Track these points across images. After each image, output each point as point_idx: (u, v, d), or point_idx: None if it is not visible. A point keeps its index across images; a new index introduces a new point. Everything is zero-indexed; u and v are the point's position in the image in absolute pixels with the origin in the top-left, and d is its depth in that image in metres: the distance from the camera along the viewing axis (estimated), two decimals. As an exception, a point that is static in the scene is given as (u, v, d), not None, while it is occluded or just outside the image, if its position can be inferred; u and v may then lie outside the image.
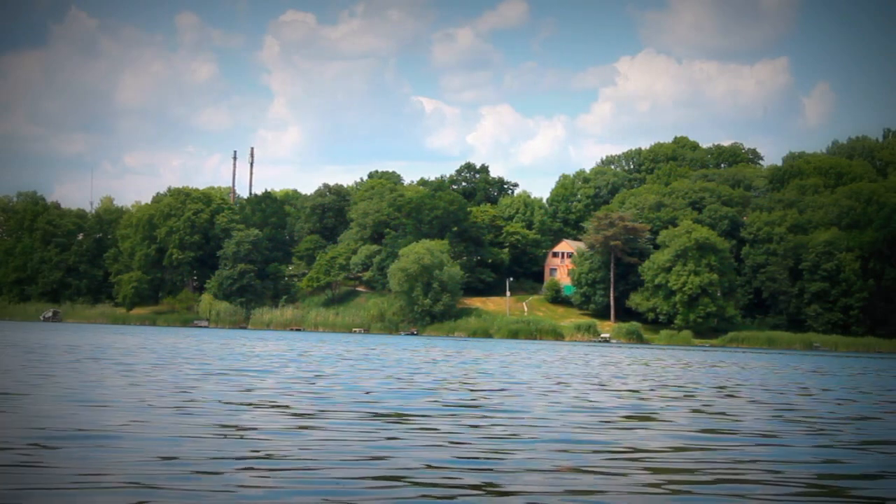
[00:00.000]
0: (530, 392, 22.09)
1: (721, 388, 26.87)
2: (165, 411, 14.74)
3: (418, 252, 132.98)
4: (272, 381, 22.88)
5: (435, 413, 15.98)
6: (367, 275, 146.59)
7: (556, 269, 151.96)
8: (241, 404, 16.56)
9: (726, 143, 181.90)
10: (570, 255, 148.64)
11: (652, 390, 24.55)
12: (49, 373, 22.67)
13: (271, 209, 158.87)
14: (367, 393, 20.07)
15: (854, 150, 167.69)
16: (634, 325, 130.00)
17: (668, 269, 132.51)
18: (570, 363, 43.19)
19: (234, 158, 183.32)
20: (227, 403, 16.46)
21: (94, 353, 35.52)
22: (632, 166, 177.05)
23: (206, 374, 24.88)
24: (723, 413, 18.07)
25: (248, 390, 19.73)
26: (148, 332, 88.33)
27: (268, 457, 10.47)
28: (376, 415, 15.45)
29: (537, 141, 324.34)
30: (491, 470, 10.08)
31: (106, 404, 15.55)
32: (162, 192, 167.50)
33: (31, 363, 26.63)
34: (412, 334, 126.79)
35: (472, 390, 21.90)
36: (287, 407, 16.31)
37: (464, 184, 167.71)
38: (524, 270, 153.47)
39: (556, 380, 27.90)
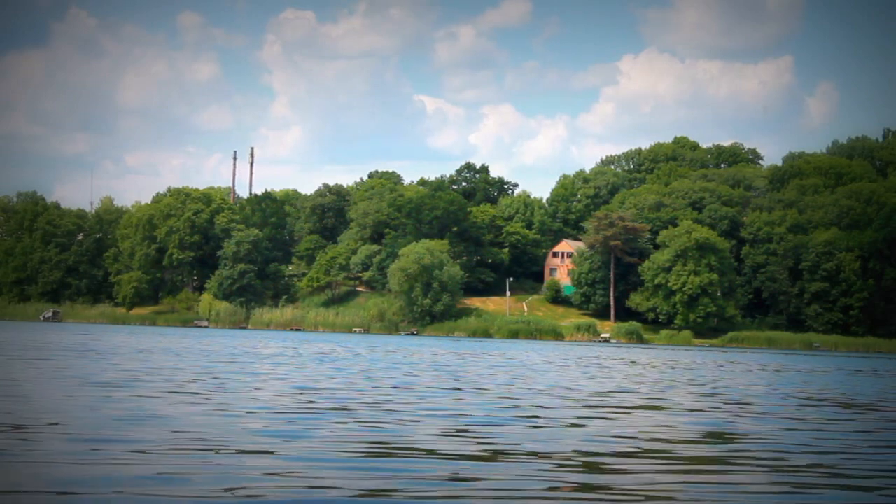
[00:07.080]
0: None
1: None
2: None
3: (418, 252, 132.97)
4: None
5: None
6: (367, 275, 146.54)
7: (556, 269, 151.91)
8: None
9: (728, 142, 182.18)
10: (570, 255, 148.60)
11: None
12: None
13: (271, 209, 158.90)
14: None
15: (854, 150, 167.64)
16: (634, 325, 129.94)
17: (668, 269, 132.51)
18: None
19: (235, 158, 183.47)
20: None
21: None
22: (632, 166, 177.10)
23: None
24: None
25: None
26: (195, 333, 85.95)
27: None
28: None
29: (539, 140, 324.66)
30: None
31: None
32: (162, 192, 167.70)
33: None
34: (412, 334, 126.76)
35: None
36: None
37: (464, 184, 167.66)
38: (524, 270, 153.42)
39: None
